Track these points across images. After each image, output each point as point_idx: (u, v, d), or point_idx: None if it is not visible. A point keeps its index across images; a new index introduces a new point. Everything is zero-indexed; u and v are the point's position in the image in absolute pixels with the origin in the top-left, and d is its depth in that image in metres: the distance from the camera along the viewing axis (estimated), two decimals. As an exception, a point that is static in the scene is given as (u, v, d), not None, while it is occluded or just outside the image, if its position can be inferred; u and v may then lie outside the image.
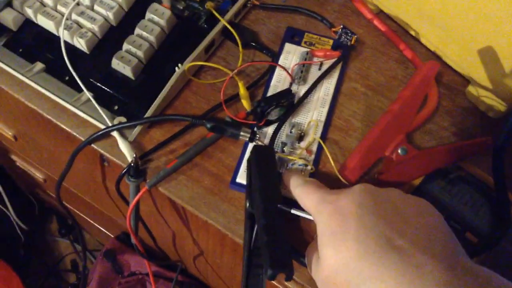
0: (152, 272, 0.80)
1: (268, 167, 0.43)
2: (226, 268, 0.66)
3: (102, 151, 0.49)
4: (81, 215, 1.05)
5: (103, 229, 1.06)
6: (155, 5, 0.51)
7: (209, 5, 0.53)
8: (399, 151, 0.44)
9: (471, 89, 0.53)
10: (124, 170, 0.47)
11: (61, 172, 0.55)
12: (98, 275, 0.89)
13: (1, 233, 1.29)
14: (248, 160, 0.45)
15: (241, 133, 0.46)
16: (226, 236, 0.47)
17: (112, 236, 0.99)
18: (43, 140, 0.72)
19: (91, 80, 0.50)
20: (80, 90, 0.49)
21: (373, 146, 0.44)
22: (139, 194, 0.47)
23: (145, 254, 0.57)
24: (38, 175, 0.97)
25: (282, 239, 0.37)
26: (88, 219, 1.06)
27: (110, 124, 0.48)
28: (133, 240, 0.53)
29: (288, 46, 0.56)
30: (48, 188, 1.08)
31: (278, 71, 0.54)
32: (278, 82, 0.53)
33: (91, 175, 0.66)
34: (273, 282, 0.49)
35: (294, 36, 0.56)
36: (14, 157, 0.98)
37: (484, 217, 0.43)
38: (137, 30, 0.50)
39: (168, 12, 0.51)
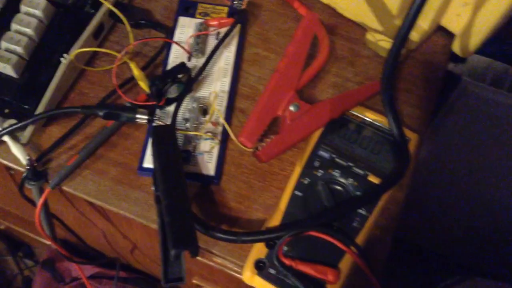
0: (94, 273, 0.78)
1: (168, 146, 0.42)
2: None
3: (-2, 159, 0.46)
4: (19, 230, 1.01)
5: (41, 240, 1.02)
6: (29, -4, 0.48)
7: (90, -12, 0.51)
8: (291, 108, 0.44)
9: (368, 36, 0.53)
10: (24, 175, 0.45)
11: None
12: (38, 287, 0.86)
13: None
14: (151, 143, 0.44)
15: (137, 116, 0.44)
16: (145, 225, 0.46)
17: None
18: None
19: (-27, 85, 0.46)
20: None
21: (265, 108, 0.44)
22: (43, 196, 0.45)
23: (72, 256, 0.55)
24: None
25: (186, 217, 0.37)
26: (27, 233, 1.02)
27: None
28: (52, 244, 0.51)
29: (182, 20, 0.54)
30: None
31: (175, 47, 0.52)
32: (176, 58, 0.51)
33: (6, 187, 0.63)
34: (202, 259, 0.48)
35: (188, 8, 0.55)
36: None
37: (385, 157, 0.43)
38: (13, 26, 0.47)
39: (43, 2, 0.48)
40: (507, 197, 0.82)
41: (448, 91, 0.64)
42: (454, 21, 0.49)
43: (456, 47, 0.50)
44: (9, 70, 0.46)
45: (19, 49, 0.46)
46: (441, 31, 0.53)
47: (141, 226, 0.53)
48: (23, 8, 0.48)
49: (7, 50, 0.46)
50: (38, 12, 0.48)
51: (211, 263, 0.49)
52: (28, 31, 0.47)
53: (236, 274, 0.46)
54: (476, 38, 0.47)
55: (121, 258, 0.76)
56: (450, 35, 0.52)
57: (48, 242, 0.95)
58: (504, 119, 0.64)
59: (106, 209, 0.52)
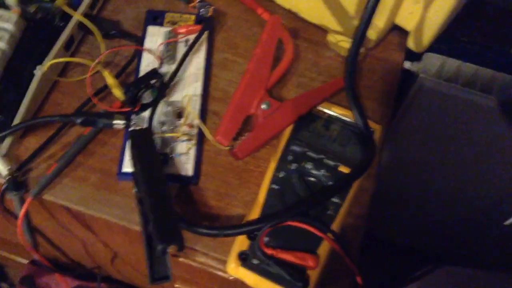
0: (75, 286, 0.77)
1: (147, 148, 0.43)
2: (143, 262, 0.66)
3: (-25, 173, 0.46)
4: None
5: (19, 259, 1.00)
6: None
7: (58, 2, 0.52)
8: (262, 106, 0.47)
9: (330, 37, 0.56)
10: (4, 186, 0.45)
11: None
12: (18, 305, 0.85)
13: None
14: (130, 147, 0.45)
15: (114, 122, 0.46)
16: (128, 229, 0.47)
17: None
18: None
19: None
20: None
21: (238, 107, 0.46)
22: (25, 206, 0.45)
23: (54, 267, 0.55)
24: None
25: (169, 214, 0.38)
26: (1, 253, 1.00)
27: (-24, 143, 0.45)
28: (35, 255, 0.51)
29: (151, 29, 0.56)
30: None
31: (146, 55, 0.54)
32: (148, 65, 0.53)
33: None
34: (184, 260, 0.49)
35: (156, 18, 0.57)
36: None
37: (352, 148, 0.47)
38: (-16, 40, 0.48)
39: (14, 16, 0.49)
40: (468, 187, 0.86)
41: (406, 89, 0.68)
42: (407, 19, 0.53)
43: (410, 43, 0.54)
44: (-18, 84, 0.46)
45: (-8, 63, 0.47)
46: (396, 30, 0.57)
47: (122, 232, 0.54)
48: (-6, 22, 0.49)
49: (-21, 64, 0.47)
50: (9, 26, 0.48)
51: (193, 263, 0.50)
52: (1, 44, 0.48)
53: (219, 272, 0.48)
54: (429, 34, 0.51)
55: (102, 269, 0.76)
56: (404, 33, 0.55)
57: (24, 261, 0.93)
58: (460, 112, 0.68)
59: (87, 216, 0.53)
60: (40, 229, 0.58)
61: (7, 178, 0.45)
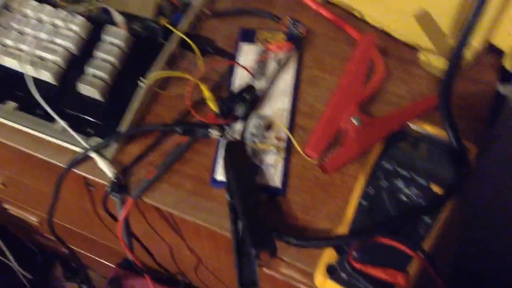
0: (158, 291, 0.81)
1: (241, 159, 0.46)
2: (226, 270, 0.68)
3: (84, 174, 0.51)
4: (81, 251, 1.06)
5: (104, 261, 1.07)
6: (111, 28, 0.54)
7: (163, 20, 0.56)
8: (354, 121, 0.47)
9: (421, 56, 0.56)
10: (109, 188, 0.49)
11: (51, 203, 0.57)
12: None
13: (6, 286, 1.29)
14: (224, 157, 0.48)
15: (210, 131, 0.48)
16: (216, 234, 0.49)
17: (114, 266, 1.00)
18: (31, 180, 0.74)
19: (63, 108, 0.52)
20: (54, 120, 0.51)
21: (329, 121, 0.47)
22: (126, 207, 0.49)
23: (144, 269, 0.58)
24: (33, 219, 0.98)
25: (262, 221, 0.40)
26: (89, 254, 1.07)
27: (87, 147, 0.50)
28: (130, 256, 0.55)
29: (244, 46, 0.58)
30: (44, 231, 1.09)
31: (239, 71, 0.56)
32: (240, 80, 0.56)
33: (81, 205, 0.68)
34: (269, 270, 0.51)
35: (248, 36, 0.59)
36: (6, 206, 0.99)
37: (445, 168, 0.46)
38: (98, 54, 0.53)
39: (124, 33, 0.54)
40: None
41: (496, 113, 0.66)
42: (505, 40, 0.51)
43: (507, 64, 0.52)
44: (95, 94, 0.51)
45: (103, 75, 0.52)
46: (493, 50, 0.55)
47: (210, 237, 0.56)
48: (106, 38, 0.54)
49: (94, 76, 0.52)
50: (120, 42, 0.53)
51: (277, 275, 0.51)
52: (111, 59, 0.52)
53: (301, 286, 0.49)
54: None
55: (184, 276, 0.79)
56: (499, 53, 0.54)
57: (110, 264, 0.98)
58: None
59: (178, 221, 0.56)
60: (133, 232, 0.62)
61: (111, 181, 0.49)
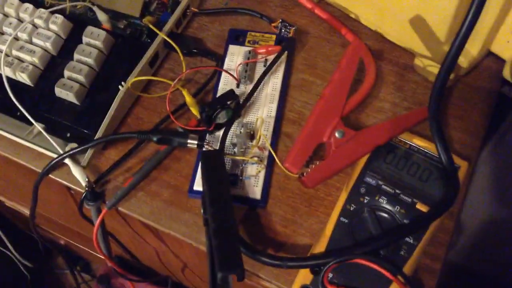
0: (147, 291, 0.81)
1: (217, 171, 0.43)
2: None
3: (60, 180, 0.50)
4: (78, 245, 1.06)
5: (98, 255, 1.07)
6: (90, 28, 0.52)
7: (146, 19, 0.54)
8: (336, 134, 0.45)
9: (417, 61, 0.53)
10: (83, 196, 0.48)
11: (31, 206, 0.55)
12: (94, 302, 0.90)
13: (5, 275, 1.30)
14: (200, 168, 0.46)
15: (188, 141, 0.46)
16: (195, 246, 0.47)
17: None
18: (17, 177, 0.73)
19: (40, 111, 0.50)
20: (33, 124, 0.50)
21: (310, 135, 0.45)
22: (100, 216, 0.47)
23: (126, 273, 0.57)
24: (26, 212, 0.98)
25: (232, 241, 0.38)
26: (85, 248, 1.07)
27: (61, 152, 0.48)
28: (108, 262, 0.53)
29: (232, 48, 0.56)
30: (40, 223, 1.09)
31: (224, 74, 0.54)
32: (226, 84, 0.54)
33: (65, 205, 0.67)
34: (250, 282, 0.49)
35: (238, 37, 0.57)
36: (1, 198, 0.99)
37: (433, 184, 0.43)
38: (76, 56, 0.51)
39: (103, 33, 0.51)
40: None
41: (503, 116, 0.62)
42: (503, 48, 0.48)
43: (506, 74, 0.49)
44: (71, 98, 0.50)
45: (80, 78, 0.50)
46: (493, 56, 0.52)
47: (191, 247, 0.54)
48: (85, 39, 0.52)
49: (69, 78, 0.50)
50: (98, 43, 0.51)
51: (258, 287, 0.49)
52: (89, 60, 0.50)
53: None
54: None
55: (173, 276, 0.78)
56: (502, 60, 0.51)
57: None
58: None
59: (158, 229, 0.55)
60: (116, 235, 0.61)
61: (85, 189, 0.47)
